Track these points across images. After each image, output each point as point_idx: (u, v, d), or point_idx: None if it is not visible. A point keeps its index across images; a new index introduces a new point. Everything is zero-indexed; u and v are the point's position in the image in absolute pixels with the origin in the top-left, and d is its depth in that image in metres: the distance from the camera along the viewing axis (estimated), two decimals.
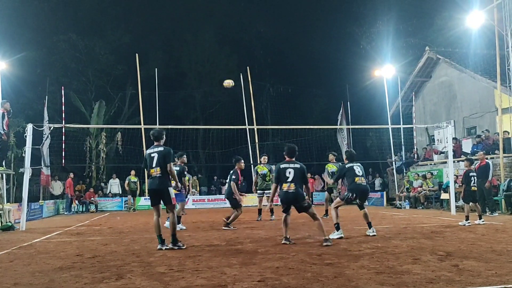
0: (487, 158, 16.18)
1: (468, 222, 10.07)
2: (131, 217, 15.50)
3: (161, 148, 7.05)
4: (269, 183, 12.25)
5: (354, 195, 8.39)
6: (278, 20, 34.37)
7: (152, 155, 7.00)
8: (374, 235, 8.18)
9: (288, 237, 7.39)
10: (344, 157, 9.09)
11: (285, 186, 7.25)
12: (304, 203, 7.32)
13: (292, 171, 7.25)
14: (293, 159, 7.49)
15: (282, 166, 7.37)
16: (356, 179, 8.38)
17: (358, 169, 8.50)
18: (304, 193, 7.44)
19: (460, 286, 4.14)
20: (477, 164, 12.44)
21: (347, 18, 32.46)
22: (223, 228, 10.11)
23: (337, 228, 8.16)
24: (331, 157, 13.45)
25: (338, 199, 8.78)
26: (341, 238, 7.92)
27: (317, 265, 5.36)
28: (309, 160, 24.03)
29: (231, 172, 10.68)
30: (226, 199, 11.10)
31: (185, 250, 6.85)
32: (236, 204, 10.30)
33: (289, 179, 7.20)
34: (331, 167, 13.18)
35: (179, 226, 9.45)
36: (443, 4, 26.48)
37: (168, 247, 6.90)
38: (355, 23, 31.37)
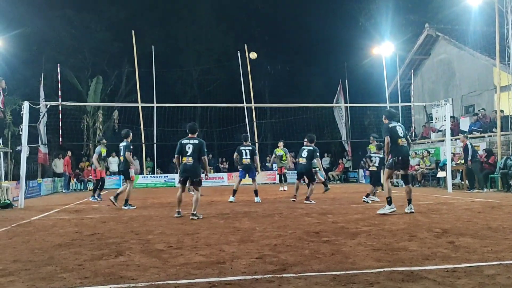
0: (483, 137, 16.42)
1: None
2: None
3: (196, 141, 8.17)
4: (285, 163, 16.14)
5: (399, 158, 7.91)
6: None
7: (188, 145, 8.11)
8: (412, 212, 7.99)
9: (180, 211, 8.30)
10: (384, 117, 8.40)
11: (184, 160, 8.07)
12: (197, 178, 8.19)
13: (191, 146, 8.05)
14: (194, 135, 8.29)
15: (183, 141, 8.22)
16: (399, 140, 7.96)
17: (400, 129, 8.06)
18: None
19: (456, 263, 4.19)
20: (461, 146, 12.70)
21: None
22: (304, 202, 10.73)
23: (389, 202, 8.02)
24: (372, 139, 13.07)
25: (386, 169, 8.32)
26: (393, 212, 7.91)
27: (315, 242, 5.41)
28: None
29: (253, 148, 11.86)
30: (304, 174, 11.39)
31: (183, 227, 6.90)
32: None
33: (188, 153, 8.02)
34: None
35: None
36: None
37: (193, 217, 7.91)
38: (355, 0, 30.97)
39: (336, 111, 25.83)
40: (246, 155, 11.49)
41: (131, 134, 10.84)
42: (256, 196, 11.48)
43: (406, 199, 8.21)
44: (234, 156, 11.85)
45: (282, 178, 16.86)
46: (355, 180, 23.22)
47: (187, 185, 8.71)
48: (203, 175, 8.54)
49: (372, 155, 11.43)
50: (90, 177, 20.64)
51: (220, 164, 25.11)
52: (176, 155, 8.28)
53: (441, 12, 25.23)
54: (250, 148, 11.74)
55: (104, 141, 14.02)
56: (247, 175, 11.67)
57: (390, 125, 8.04)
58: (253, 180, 11.63)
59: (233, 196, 11.66)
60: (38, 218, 8.87)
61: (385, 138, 8.00)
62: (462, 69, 20.17)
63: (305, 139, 11.36)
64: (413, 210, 8.01)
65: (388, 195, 8.02)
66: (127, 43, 24.96)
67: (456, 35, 20.55)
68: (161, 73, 25.26)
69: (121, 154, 10.64)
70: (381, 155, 10.77)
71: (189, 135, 8.33)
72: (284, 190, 15.85)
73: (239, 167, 12.02)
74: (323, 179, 13.14)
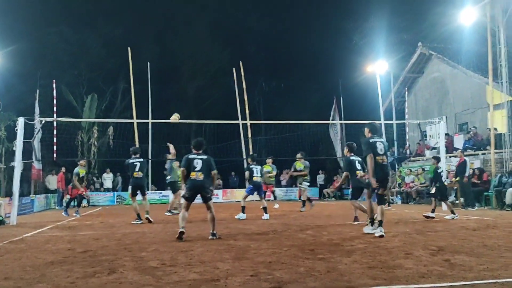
0: (477, 154, 16.52)
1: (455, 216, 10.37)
2: (123, 212, 15.42)
3: (205, 156, 7.89)
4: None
5: (379, 175, 7.50)
6: (271, 14, 34.31)
7: (196, 160, 7.76)
8: (382, 236, 7.21)
9: (184, 226, 7.59)
10: (367, 130, 8.02)
11: (193, 175, 7.64)
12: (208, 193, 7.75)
13: (200, 161, 7.72)
14: (201, 151, 7.94)
15: (190, 156, 7.85)
16: (378, 158, 7.52)
17: (381, 146, 7.65)
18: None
19: (452, 281, 4.16)
20: (457, 162, 12.77)
21: (340, 13, 32.51)
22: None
23: (373, 223, 7.75)
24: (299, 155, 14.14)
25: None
26: (381, 236, 7.16)
27: (310, 259, 5.37)
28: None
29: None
30: None
31: (177, 244, 6.83)
32: None
33: (197, 168, 7.66)
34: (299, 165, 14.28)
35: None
36: (436, 0, 26.55)
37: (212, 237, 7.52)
38: (348, 18, 31.40)
39: (332, 128, 25.91)
40: (257, 173, 11.65)
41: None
42: (266, 213, 11.55)
43: (377, 220, 7.55)
44: (246, 174, 12.10)
45: (273, 196, 16.62)
46: (350, 198, 23.18)
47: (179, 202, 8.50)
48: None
49: None
50: (84, 192, 20.49)
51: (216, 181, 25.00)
52: (182, 168, 7.88)
53: (434, 31, 25.55)
54: (260, 167, 12.13)
55: (82, 162, 14.22)
56: (255, 192, 11.83)
57: (371, 140, 7.65)
58: (262, 197, 11.78)
59: (243, 212, 11.57)
60: (31, 235, 8.76)
61: (368, 155, 7.50)
62: (456, 87, 20.37)
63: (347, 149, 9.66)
64: (383, 234, 7.19)
65: (371, 215, 7.82)
66: (123, 59, 25.05)
67: (449, 54, 20.81)
68: (156, 89, 25.31)
69: (137, 170, 11.03)
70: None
71: (194, 151, 7.94)
72: (275, 207, 15.60)
73: (248, 183, 12.15)
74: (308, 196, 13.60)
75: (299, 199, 15.59)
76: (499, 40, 15.39)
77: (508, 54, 15.53)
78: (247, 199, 11.90)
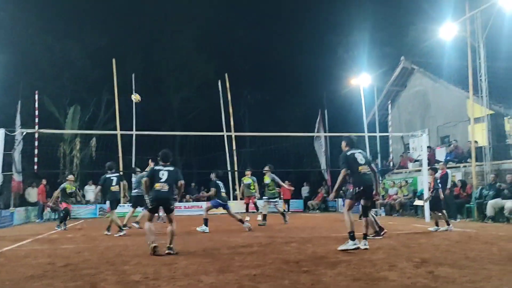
0: (458, 167, 16.77)
1: (439, 228, 10.37)
2: (105, 225, 15.17)
3: (171, 168, 7.68)
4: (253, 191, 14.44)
5: (361, 187, 7.26)
6: (256, 28, 34.49)
7: (162, 172, 7.57)
8: (367, 248, 7.16)
9: (154, 242, 7.23)
10: (344, 144, 7.80)
11: (157, 186, 7.44)
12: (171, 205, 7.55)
13: (166, 172, 7.54)
14: (168, 163, 7.75)
15: (156, 168, 7.72)
16: (360, 168, 7.32)
17: (360, 156, 7.46)
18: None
19: None
20: (439, 174, 12.89)
21: (324, 27, 32.90)
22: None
23: (352, 238, 7.12)
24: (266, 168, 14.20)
25: (346, 202, 7.60)
26: (357, 248, 7.03)
27: (294, 272, 5.35)
28: (286, 167, 24.11)
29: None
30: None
31: (161, 257, 6.75)
32: None
33: (162, 180, 7.46)
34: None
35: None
36: (417, 15, 27.14)
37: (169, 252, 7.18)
38: (333, 32, 31.79)
39: (316, 141, 26.04)
40: (223, 189, 11.69)
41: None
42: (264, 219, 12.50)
43: (362, 233, 7.39)
44: (213, 191, 11.67)
45: (257, 208, 16.26)
46: (335, 210, 23.24)
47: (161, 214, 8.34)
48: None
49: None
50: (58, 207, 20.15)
51: (199, 193, 24.83)
52: (145, 178, 7.71)
53: (416, 46, 26.04)
54: (222, 183, 11.91)
55: (71, 177, 14.03)
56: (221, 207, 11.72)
57: (348, 153, 7.48)
58: (230, 211, 11.70)
59: (206, 225, 11.45)
60: (10, 248, 8.56)
61: (342, 170, 7.35)
62: (437, 100, 20.71)
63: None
64: (367, 247, 7.17)
65: (351, 229, 7.14)
66: (107, 70, 24.88)
67: (431, 68, 21.18)
68: (141, 101, 25.12)
69: (114, 184, 11.29)
70: None
71: (161, 163, 7.74)
72: (258, 219, 14.84)
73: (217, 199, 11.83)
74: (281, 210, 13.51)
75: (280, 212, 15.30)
76: (479, 55, 15.71)
77: (487, 69, 15.84)
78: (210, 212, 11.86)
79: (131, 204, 13.46)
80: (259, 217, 15.36)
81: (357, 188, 7.28)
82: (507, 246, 7.58)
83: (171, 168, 7.66)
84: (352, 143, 7.74)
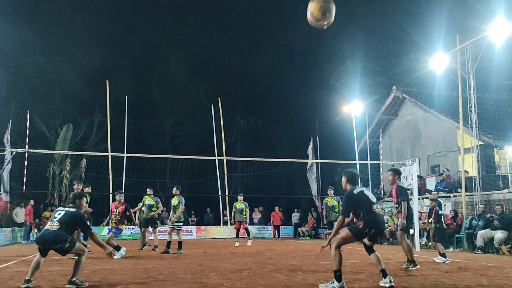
0: (449, 196, 16.84)
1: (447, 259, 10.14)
2: (92, 247, 14.95)
3: (73, 210, 6.74)
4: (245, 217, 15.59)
5: (373, 230, 6.17)
6: (249, 53, 34.99)
7: (59, 211, 6.72)
8: (392, 286, 6.12)
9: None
10: (344, 180, 6.66)
11: (48, 225, 6.56)
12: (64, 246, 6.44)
13: (63, 212, 6.65)
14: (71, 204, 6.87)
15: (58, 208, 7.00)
16: (374, 207, 6.17)
17: (370, 193, 6.42)
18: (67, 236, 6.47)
19: None
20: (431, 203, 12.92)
21: (317, 56, 33.48)
22: None
23: (338, 279, 5.95)
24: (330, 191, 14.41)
25: (344, 233, 6.24)
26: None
27: None
28: (277, 193, 24.06)
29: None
30: None
31: (148, 282, 6.63)
32: None
33: (56, 218, 6.54)
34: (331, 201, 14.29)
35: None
36: (409, 46, 27.69)
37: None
38: (325, 60, 32.31)
39: (309, 172, 26.06)
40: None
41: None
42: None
43: (379, 270, 6.31)
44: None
45: (248, 233, 16.50)
46: (325, 237, 23.13)
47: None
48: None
49: None
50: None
51: (189, 218, 24.61)
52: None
53: (408, 76, 26.48)
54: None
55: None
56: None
57: (356, 191, 6.27)
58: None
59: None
60: None
61: (340, 217, 6.29)
62: (428, 130, 20.94)
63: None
64: (393, 284, 6.13)
65: (337, 267, 6.00)
66: (99, 92, 24.94)
67: (422, 97, 21.50)
68: (133, 123, 25.16)
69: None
70: None
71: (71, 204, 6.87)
72: (248, 245, 15.29)
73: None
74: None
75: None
76: (469, 86, 15.97)
77: (477, 100, 16.09)
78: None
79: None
80: (249, 243, 15.38)
81: (371, 229, 6.13)
82: (497, 276, 7.56)
83: (72, 210, 6.74)
84: (355, 180, 6.60)
